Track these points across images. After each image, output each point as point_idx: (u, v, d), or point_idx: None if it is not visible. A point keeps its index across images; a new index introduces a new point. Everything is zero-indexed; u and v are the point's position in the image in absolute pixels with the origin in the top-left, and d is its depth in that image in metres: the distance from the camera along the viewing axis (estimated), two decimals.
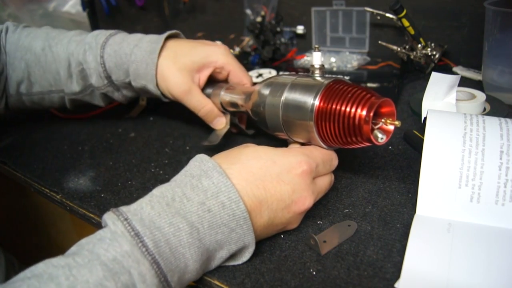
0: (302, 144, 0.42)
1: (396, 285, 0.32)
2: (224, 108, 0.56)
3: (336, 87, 0.37)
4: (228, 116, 0.56)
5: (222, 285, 0.34)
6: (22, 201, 0.91)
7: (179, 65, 0.53)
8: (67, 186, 0.51)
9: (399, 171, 0.47)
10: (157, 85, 0.55)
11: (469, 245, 0.34)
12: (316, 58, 0.41)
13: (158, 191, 0.34)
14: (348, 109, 0.35)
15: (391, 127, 0.37)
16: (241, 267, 0.36)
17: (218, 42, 1.05)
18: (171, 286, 0.30)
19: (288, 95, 0.40)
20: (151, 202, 0.32)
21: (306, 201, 0.37)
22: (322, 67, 0.41)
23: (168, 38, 0.56)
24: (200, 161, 0.36)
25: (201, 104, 0.54)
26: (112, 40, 0.56)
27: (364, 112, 0.34)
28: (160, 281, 0.29)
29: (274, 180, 0.36)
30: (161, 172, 0.52)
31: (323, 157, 0.39)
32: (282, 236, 0.39)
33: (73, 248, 0.31)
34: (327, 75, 0.41)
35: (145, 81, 0.55)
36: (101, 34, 0.57)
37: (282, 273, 0.35)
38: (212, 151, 0.54)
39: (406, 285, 0.31)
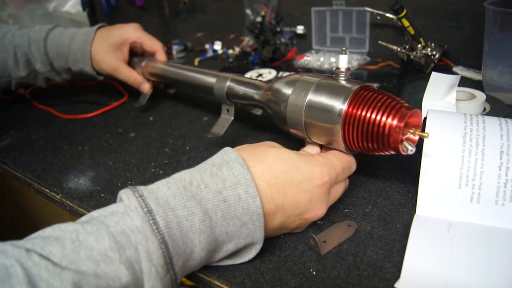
0: (320, 146, 0.42)
1: (396, 285, 0.32)
2: (145, 77, 0.72)
3: (366, 93, 0.37)
4: (151, 82, 0.73)
5: (222, 285, 0.34)
6: (22, 201, 0.90)
7: (104, 50, 0.69)
8: (67, 186, 0.51)
9: (399, 171, 0.47)
10: (92, 67, 0.70)
11: (469, 245, 0.34)
12: (342, 61, 0.40)
13: (177, 175, 0.34)
14: (378, 117, 0.35)
15: (416, 137, 0.37)
16: (241, 267, 0.36)
17: (218, 43, 1.05)
18: (174, 269, 0.30)
19: (313, 97, 0.40)
20: (168, 183, 0.32)
21: (319, 211, 0.37)
22: (347, 70, 0.40)
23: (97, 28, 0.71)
24: (223, 152, 0.36)
25: (127, 75, 0.71)
26: (52, 34, 0.70)
27: (395, 122, 0.34)
28: (166, 263, 0.29)
29: (294, 187, 0.35)
30: (161, 172, 0.52)
31: (343, 165, 0.39)
32: (282, 236, 0.39)
33: (84, 218, 0.31)
34: (352, 79, 0.40)
35: (82, 65, 0.70)
36: (41, 30, 0.70)
37: (282, 273, 0.35)
38: (213, 147, 0.54)
39: (406, 285, 0.31)
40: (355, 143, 0.37)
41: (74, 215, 0.48)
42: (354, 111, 0.37)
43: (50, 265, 0.25)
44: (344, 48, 0.40)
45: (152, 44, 0.72)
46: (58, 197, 0.49)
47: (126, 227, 0.29)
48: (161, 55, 0.73)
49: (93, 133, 0.66)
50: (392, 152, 0.36)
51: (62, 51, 0.70)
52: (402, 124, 0.34)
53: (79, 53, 0.69)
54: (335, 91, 0.38)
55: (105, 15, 0.99)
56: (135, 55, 0.75)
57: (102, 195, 0.48)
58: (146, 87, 0.72)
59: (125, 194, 0.31)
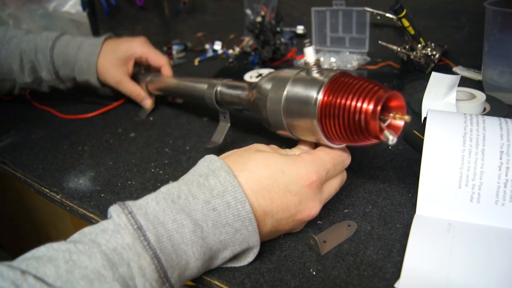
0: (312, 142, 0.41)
1: (396, 285, 0.32)
2: (149, 92, 0.72)
3: (342, 79, 0.35)
4: (153, 97, 0.73)
5: (222, 285, 0.34)
6: (22, 201, 0.91)
7: (109, 63, 0.70)
8: (67, 186, 0.51)
9: (399, 171, 0.47)
10: (98, 79, 0.70)
11: (469, 245, 0.34)
12: (308, 54, 0.37)
13: (165, 188, 0.34)
14: (353, 103, 0.32)
15: (401, 123, 0.34)
16: (241, 267, 0.35)
17: (218, 43, 1.05)
18: (170, 282, 0.30)
19: (290, 89, 0.38)
20: (156, 198, 0.33)
21: (312, 211, 0.36)
22: (317, 61, 0.37)
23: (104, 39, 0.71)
24: (208, 160, 0.36)
25: (131, 90, 0.71)
26: (59, 43, 0.70)
27: (371, 106, 0.31)
28: (160, 277, 0.29)
29: (281, 191, 0.35)
30: (161, 172, 0.52)
31: (334, 161, 0.38)
32: (282, 236, 0.39)
33: (75, 236, 0.31)
34: (325, 69, 0.38)
35: (87, 76, 0.70)
36: (48, 38, 0.70)
37: (282, 273, 0.35)
38: (213, 147, 0.54)
39: (406, 285, 0.31)
40: (336, 135, 0.35)
41: (74, 215, 0.48)
42: (329, 99, 0.34)
43: (45, 286, 0.25)
44: (306, 41, 0.37)
45: (157, 59, 0.72)
46: (58, 197, 0.49)
47: (117, 244, 0.29)
48: (166, 70, 0.72)
49: (93, 133, 0.66)
50: (376, 141, 0.34)
51: (68, 61, 0.69)
52: (378, 108, 0.31)
53: (85, 64, 0.69)
54: (311, 81, 0.37)
55: (105, 15, 0.99)
56: (142, 68, 0.76)
57: (102, 195, 0.48)
58: (148, 103, 0.72)
59: (114, 211, 0.31)
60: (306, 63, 0.38)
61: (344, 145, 0.39)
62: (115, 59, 0.70)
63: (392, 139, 0.32)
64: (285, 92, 0.38)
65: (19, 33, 0.71)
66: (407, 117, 0.33)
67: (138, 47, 0.71)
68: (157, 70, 0.74)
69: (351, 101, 0.33)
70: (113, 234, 0.29)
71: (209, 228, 0.32)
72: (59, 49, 0.69)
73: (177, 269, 0.31)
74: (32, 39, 0.70)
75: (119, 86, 0.71)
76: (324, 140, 0.37)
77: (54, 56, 0.69)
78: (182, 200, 0.32)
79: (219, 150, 0.56)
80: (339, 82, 0.35)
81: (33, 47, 0.69)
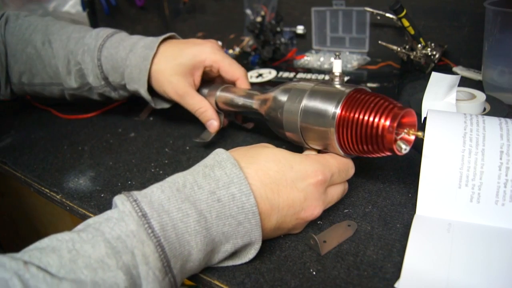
0: (318, 151, 0.42)
1: (396, 285, 0.32)
2: (218, 108, 0.57)
3: (358, 96, 0.37)
4: (222, 116, 0.57)
5: (222, 285, 0.34)
6: (22, 201, 0.90)
7: (170, 70, 0.55)
8: (67, 186, 0.51)
9: (399, 171, 0.47)
10: (148, 90, 0.57)
11: (469, 245, 0.34)
12: (336, 66, 0.41)
13: (171, 178, 0.34)
14: (371, 119, 0.35)
15: (412, 137, 0.37)
16: (241, 267, 0.36)
17: (218, 42, 1.05)
18: (173, 272, 0.30)
19: (307, 102, 0.40)
20: (162, 186, 0.33)
21: (315, 210, 0.37)
22: (342, 75, 0.41)
23: (162, 41, 0.57)
24: (216, 153, 0.36)
25: (196, 105, 0.56)
26: (109, 43, 0.57)
27: (388, 122, 0.35)
28: (163, 266, 0.29)
29: (288, 186, 0.35)
30: (161, 172, 0.52)
31: (339, 166, 0.39)
32: (282, 236, 0.39)
33: (80, 226, 0.31)
34: (346, 83, 0.41)
35: (137, 86, 0.56)
36: (99, 35, 0.58)
37: (282, 273, 0.35)
38: (213, 148, 0.54)
39: (406, 285, 0.31)
40: (351, 146, 0.38)
41: (74, 215, 0.48)
42: (347, 114, 0.37)
43: (48, 276, 0.25)
44: (338, 53, 0.41)
45: (233, 71, 0.57)
46: (58, 197, 0.49)
47: (121, 232, 0.29)
48: (243, 84, 0.57)
49: (93, 133, 0.66)
50: (388, 153, 0.36)
51: (117, 65, 0.57)
52: (395, 124, 0.34)
53: (135, 71, 0.55)
54: (329, 95, 0.39)
55: (105, 15, 0.99)
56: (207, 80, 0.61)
57: (102, 195, 0.48)
58: (214, 125, 0.56)
59: (119, 199, 0.31)
60: (332, 73, 0.41)
61: (353, 156, 0.41)
62: (178, 65, 0.55)
63: (405, 148, 0.36)
64: (302, 103, 0.41)
65: (69, 29, 0.61)
66: (420, 133, 0.36)
67: (210, 53, 0.56)
68: (229, 83, 0.59)
69: (370, 116, 0.36)
70: (117, 222, 0.29)
71: (213, 219, 0.32)
72: (108, 50, 0.57)
73: (180, 259, 0.30)
74: (82, 36, 0.59)
75: (181, 100, 0.56)
76: (337, 149, 0.39)
77: (102, 59, 0.57)
78: (187, 189, 0.32)
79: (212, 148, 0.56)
80: (357, 97, 0.38)
81: (81, 46, 0.58)
